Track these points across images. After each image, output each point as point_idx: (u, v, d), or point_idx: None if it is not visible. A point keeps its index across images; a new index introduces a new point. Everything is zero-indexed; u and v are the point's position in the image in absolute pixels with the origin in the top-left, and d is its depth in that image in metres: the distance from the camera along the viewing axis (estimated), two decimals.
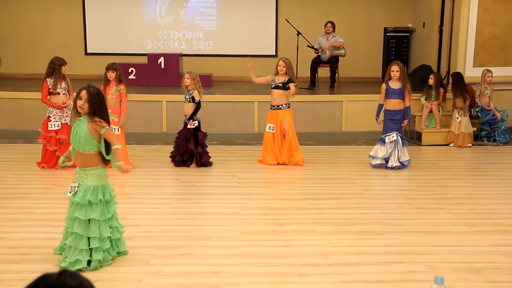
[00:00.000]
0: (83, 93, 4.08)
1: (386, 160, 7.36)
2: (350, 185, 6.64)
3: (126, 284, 3.94)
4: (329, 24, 10.42)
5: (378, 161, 7.34)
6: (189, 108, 7.27)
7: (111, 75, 7.13)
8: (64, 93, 7.19)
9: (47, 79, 7.10)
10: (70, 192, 4.16)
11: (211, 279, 4.00)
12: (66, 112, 7.17)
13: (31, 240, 4.67)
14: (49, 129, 7.07)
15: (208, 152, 7.41)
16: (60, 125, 7.10)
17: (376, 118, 7.45)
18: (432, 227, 5.15)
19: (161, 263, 4.25)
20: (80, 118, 4.13)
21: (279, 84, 7.44)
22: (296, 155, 7.49)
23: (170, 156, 7.46)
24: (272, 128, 7.48)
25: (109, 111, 4.71)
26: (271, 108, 7.55)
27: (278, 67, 7.45)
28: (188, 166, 7.27)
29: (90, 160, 4.12)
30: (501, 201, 6.04)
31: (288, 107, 7.50)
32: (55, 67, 7.08)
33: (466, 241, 4.81)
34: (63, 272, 1.52)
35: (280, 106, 7.47)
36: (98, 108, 4.08)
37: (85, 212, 4.09)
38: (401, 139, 7.36)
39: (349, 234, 4.94)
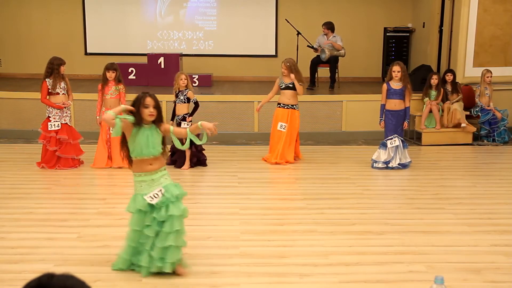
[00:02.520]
0: (149, 100, 3.94)
1: (387, 162, 7.35)
2: (350, 185, 6.63)
3: (126, 284, 3.93)
4: (323, 26, 10.41)
5: (380, 165, 7.34)
6: (184, 108, 7.27)
7: (111, 75, 7.14)
8: (63, 93, 7.17)
9: (46, 80, 7.09)
10: (153, 199, 3.92)
11: (211, 279, 4.00)
12: (66, 112, 7.17)
13: (31, 240, 4.67)
14: (49, 129, 7.06)
15: (198, 152, 7.34)
16: (60, 125, 7.09)
17: (381, 119, 7.44)
18: (432, 227, 5.15)
19: None
20: (145, 126, 3.96)
21: (289, 85, 7.48)
22: (287, 154, 7.48)
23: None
24: (284, 127, 7.47)
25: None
26: (283, 107, 7.54)
27: (282, 69, 7.52)
28: (180, 167, 7.22)
29: (163, 159, 4.07)
30: (501, 201, 6.03)
31: (297, 108, 7.58)
32: (54, 67, 7.07)
33: (466, 241, 4.81)
34: (54, 274, 1.53)
35: (294, 106, 7.53)
36: (161, 111, 4.04)
37: (178, 207, 3.98)
38: (402, 142, 7.36)
39: (349, 234, 4.93)
